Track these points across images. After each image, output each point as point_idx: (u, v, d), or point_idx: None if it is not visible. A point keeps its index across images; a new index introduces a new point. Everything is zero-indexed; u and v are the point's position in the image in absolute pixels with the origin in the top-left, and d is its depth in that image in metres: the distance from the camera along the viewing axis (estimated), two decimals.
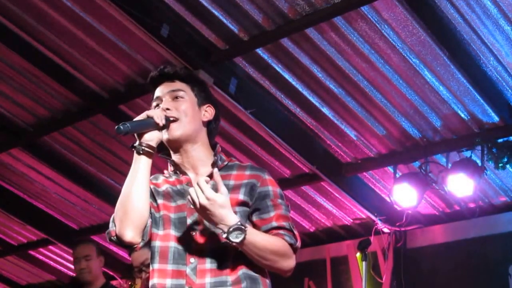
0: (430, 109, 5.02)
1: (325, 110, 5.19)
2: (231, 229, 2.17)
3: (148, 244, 2.37)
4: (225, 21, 4.63)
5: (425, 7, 4.25)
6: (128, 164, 7.13)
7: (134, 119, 2.32)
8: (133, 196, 2.30)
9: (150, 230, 2.36)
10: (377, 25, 4.43)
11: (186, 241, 2.31)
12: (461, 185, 5.03)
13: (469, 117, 5.02)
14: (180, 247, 2.31)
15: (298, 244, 2.34)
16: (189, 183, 2.38)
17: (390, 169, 5.64)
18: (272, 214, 2.32)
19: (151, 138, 2.32)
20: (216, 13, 4.59)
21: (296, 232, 2.34)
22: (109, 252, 7.66)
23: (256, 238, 2.22)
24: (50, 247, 8.06)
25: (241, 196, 2.33)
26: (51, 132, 6.19)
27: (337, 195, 6.03)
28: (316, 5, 4.36)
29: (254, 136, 5.45)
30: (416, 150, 5.39)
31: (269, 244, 2.25)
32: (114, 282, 7.30)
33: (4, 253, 8.48)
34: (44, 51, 5.29)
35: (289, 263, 2.31)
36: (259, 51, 4.81)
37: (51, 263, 8.38)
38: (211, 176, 2.30)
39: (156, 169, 2.48)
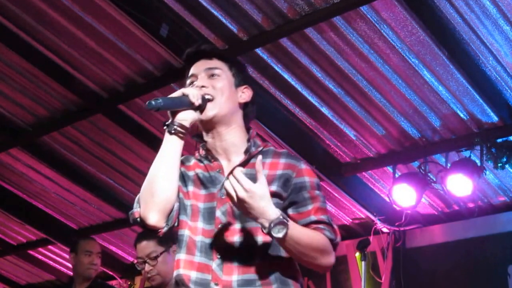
0: (429, 109, 5.01)
1: (324, 110, 5.19)
2: (272, 224, 2.02)
3: (170, 230, 2.25)
4: (224, 21, 4.63)
5: (424, 7, 4.24)
6: (128, 164, 7.17)
7: (169, 96, 2.21)
8: (160, 179, 2.18)
9: (176, 215, 2.24)
10: (376, 25, 4.43)
11: (213, 235, 2.19)
12: (460, 185, 5.02)
13: (468, 117, 5.02)
14: (207, 241, 2.19)
15: (338, 239, 2.21)
16: (221, 171, 2.25)
17: (389, 169, 5.63)
18: (310, 207, 2.19)
19: (185, 117, 2.19)
20: (215, 13, 4.59)
21: (335, 227, 2.21)
22: (108, 252, 7.66)
23: (298, 233, 2.08)
24: (50, 247, 8.05)
25: (274, 188, 2.18)
26: (50, 132, 6.18)
27: (336, 195, 6.03)
28: (316, 5, 4.36)
29: None
30: (415, 150, 5.39)
31: (310, 239, 2.11)
32: (113, 282, 7.32)
33: (3, 253, 8.48)
34: (43, 51, 5.29)
35: (329, 259, 2.18)
36: (259, 51, 4.80)
37: (51, 262, 8.37)
38: (244, 163, 2.21)
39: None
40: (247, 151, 2.26)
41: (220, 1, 4.50)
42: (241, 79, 2.35)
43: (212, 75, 2.30)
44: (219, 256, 2.16)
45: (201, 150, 2.33)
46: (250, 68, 4.95)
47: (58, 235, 7.62)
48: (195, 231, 2.22)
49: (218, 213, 2.20)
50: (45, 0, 4.83)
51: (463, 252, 5.76)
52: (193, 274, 2.18)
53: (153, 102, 2.10)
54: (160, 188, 2.17)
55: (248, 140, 2.29)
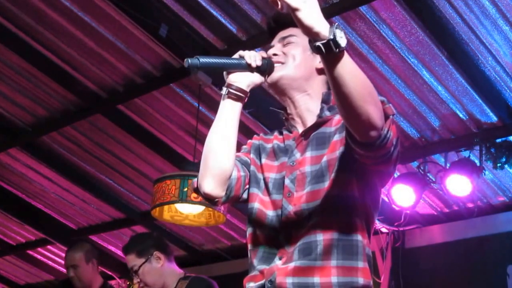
0: (429, 109, 5.01)
1: None
2: (335, 27, 1.74)
3: (233, 200, 2.14)
4: (223, 21, 4.63)
5: (423, 7, 4.24)
6: (127, 164, 7.12)
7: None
8: (214, 145, 2.08)
9: (239, 187, 2.13)
10: (375, 25, 4.43)
11: (282, 206, 2.04)
12: (459, 185, 5.03)
13: (467, 117, 5.02)
14: (277, 214, 2.05)
15: (391, 109, 1.92)
16: (296, 139, 2.12)
17: None
18: None
19: (240, 79, 2.09)
20: (214, 13, 4.58)
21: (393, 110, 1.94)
22: (107, 252, 7.66)
23: (350, 61, 1.82)
24: (49, 247, 8.05)
25: (336, 137, 2.03)
26: (49, 132, 6.18)
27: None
28: None
29: (252, 135, 5.44)
30: (415, 150, 5.38)
31: (364, 75, 1.86)
32: (112, 282, 7.30)
33: (2, 253, 8.47)
34: (42, 51, 5.29)
35: (378, 114, 1.83)
36: (258, 51, 4.78)
37: (50, 263, 8.37)
38: (313, 127, 2.07)
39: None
40: (320, 115, 2.11)
41: (219, 1, 4.50)
42: None
43: (287, 43, 2.18)
44: (285, 227, 2.02)
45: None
46: None
47: (57, 235, 7.62)
48: (266, 204, 2.09)
49: (287, 181, 2.07)
50: (45, 0, 4.82)
51: (462, 252, 5.76)
52: (261, 249, 2.06)
53: (190, 60, 1.97)
54: (213, 155, 2.08)
55: (325, 102, 2.13)
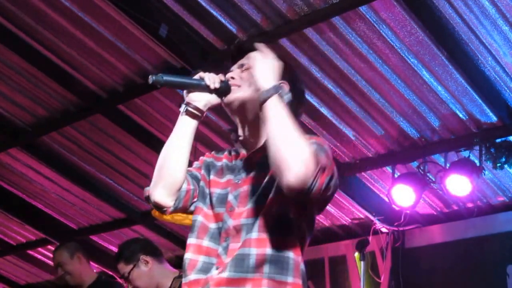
0: (428, 109, 5.02)
1: (323, 110, 5.19)
2: (280, 84, 2.08)
3: (180, 211, 2.24)
4: (223, 21, 4.63)
5: (423, 7, 4.24)
6: (127, 164, 7.13)
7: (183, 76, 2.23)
8: (167, 158, 2.23)
9: (187, 199, 2.23)
10: (375, 25, 4.43)
11: (223, 219, 2.17)
12: (459, 185, 5.03)
13: (467, 117, 5.02)
14: (218, 226, 2.18)
15: (324, 159, 2.01)
16: (244, 159, 2.24)
17: (388, 169, 5.63)
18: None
19: (198, 99, 2.21)
20: (214, 13, 4.58)
21: (327, 161, 2.03)
22: (109, 253, 7.66)
23: (288, 113, 2.03)
24: (49, 246, 8.02)
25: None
26: (49, 132, 6.18)
27: (335, 195, 6.01)
28: (315, 5, 4.36)
29: None
30: (414, 150, 5.39)
31: (296, 127, 2.01)
32: None
33: (3, 253, 8.46)
34: (42, 51, 5.28)
35: (302, 163, 1.93)
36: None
37: (50, 262, 8.31)
38: (260, 150, 2.17)
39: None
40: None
41: (219, 1, 4.50)
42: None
43: (244, 69, 2.28)
44: (226, 239, 2.14)
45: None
46: None
47: (58, 235, 7.60)
48: (209, 217, 2.22)
49: (230, 197, 2.19)
50: (45, 0, 4.82)
51: (462, 252, 5.76)
52: (201, 259, 2.17)
53: (153, 77, 2.11)
54: (166, 166, 2.22)
55: None
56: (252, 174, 2.19)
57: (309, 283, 6.45)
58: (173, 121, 6.04)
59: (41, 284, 8.85)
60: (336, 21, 4.45)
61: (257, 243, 2.06)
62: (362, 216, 6.19)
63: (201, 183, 2.29)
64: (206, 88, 2.20)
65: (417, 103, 4.98)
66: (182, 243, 7.24)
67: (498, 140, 5.01)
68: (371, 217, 5.98)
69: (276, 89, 2.05)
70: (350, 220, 6.38)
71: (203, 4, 4.53)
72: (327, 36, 4.58)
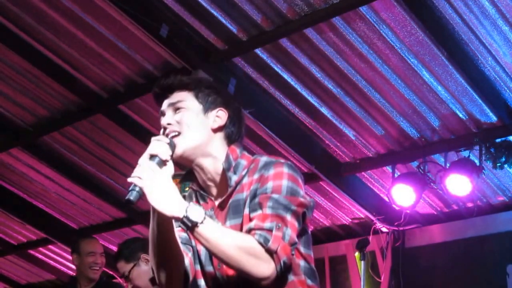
0: (428, 109, 5.02)
1: (323, 110, 5.20)
2: (188, 207, 1.91)
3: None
4: (224, 21, 4.63)
5: (423, 8, 4.25)
6: (128, 164, 7.13)
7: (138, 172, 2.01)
8: (157, 255, 2.09)
9: (192, 268, 2.16)
10: (375, 25, 4.43)
11: (212, 275, 2.13)
12: (459, 185, 5.03)
13: (467, 117, 5.03)
14: (209, 283, 2.14)
15: (274, 246, 1.94)
16: (214, 209, 2.15)
17: (388, 168, 5.63)
18: (255, 214, 2.00)
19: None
20: (215, 13, 4.58)
21: (279, 234, 1.95)
22: (109, 252, 7.66)
23: (216, 230, 1.93)
24: (50, 246, 8.05)
25: (246, 211, 2.06)
26: (50, 132, 6.18)
27: (335, 194, 6.03)
28: (315, 5, 4.36)
29: (252, 136, 5.46)
30: (415, 150, 5.40)
31: (231, 237, 1.93)
32: None
33: (4, 253, 8.47)
34: (43, 51, 5.29)
35: (262, 267, 1.93)
36: (258, 51, 4.80)
37: (51, 262, 8.37)
38: (227, 197, 2.10)
39: None
40: (229, 184, 2.13)
41: (220, 1, 4.50)
42: (211, 102, 2.19)
43: (176, 109, 2.18)
44: None
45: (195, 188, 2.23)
46: (250, 69, 4.96)
47: (59, 235, 7.61)
48: (198, 274, 2.17)
49: None
50: (46, 0, 4.82)
51: (462, 252, 5.76)
52: None
53: (131, 198, 1.95)
54: (161, 263, 2.11)
55: (228, 169, 2.14)
56: (227, 224, 2.12)
57: None
58: None
59: (41, 284, 8.88)
60: (337, 21, 4.45)
61: None
62: (362, 215, 6.19)
63: (192, 242, 2.19)
64: (165, 163, 2.02)
65: (417, 103, 4.98)
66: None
67: (498, 140, 5.01)
68: (371, 217, 5.98)
69: (189, 221, 1.90)
70: (350, 220, 6.38)
71: (204, 4, 4.53)
72: (327, 36, 4.58)
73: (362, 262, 5.14)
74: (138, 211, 7.00)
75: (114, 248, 7.59)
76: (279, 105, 5.21)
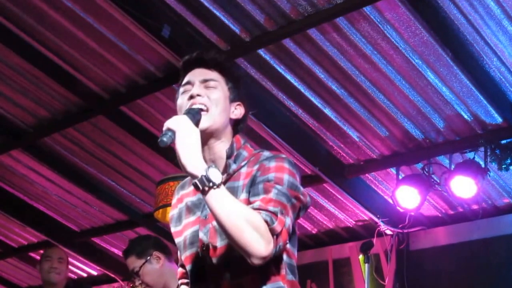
0: (433, 110, 5.00)
1: (327, 111, 5.17)
2: (210, 167, 1.98)
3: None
4: (226, 21, 4.62)
5: (428, 8, 4.23)
6: (129, 165, 7.13)
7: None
8: None
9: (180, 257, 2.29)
10: (379, 25, 4.41)
11: (200, 259, 2.17)
12: (464, 187, 5.01)
13: (472, 118, 5.00)
14: (198, 267, 2.18)
15: (278, 228, 1.99)
16: None
17: (392, 170, 5.61)
18: (259, 197, 2.04)
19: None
20: (217, 13, 4.57)
21: (283, 218, 2.01)
22: (111, 255, 7.64)
23: (228, 197, 1.99)
24: None
25: (243, 196, 2.12)
26: (51, 133, 6.16)
27: (339, 196, 6.01)
28: (318, 5, 4.34)
29: (255, 137, 5.43)
30: (419, 152, 5.37)
31: (241, 207, 1.98)
32: (115, 285, 7.30)
33: (4, 255, 8.45)
34: (44, 52, 5.27)
35: (261, 245, 1.96)
36: (261, 51, 4.79)
37: None
38: (223, 182, 2.09)
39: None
40: (225, 169, 2.19)
41: (222, 1, 4.48)
42: (236, 94, 2.29)
43: (208, 86, 2.23)
44: (213, 279, 2.14)
45: None
46: (253, 69, 4.94)
47: (59, 237, 7.59)
48: (186, 260, 2.22)
49: (201, 235, 2.18)
50: (46, 1, 4.81)
51: (467, 254, 5.74)
52: None
53: (164, 139, 2.05)
54: None
55: (229, 156, 2.21)
56: None
57: (313, 285, 6.44)
58: None
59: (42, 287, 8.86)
60: (340, 22, 4.44)
61: (250, 283, 2.08)
62: (366, 218, 6.17)
63: (178, 239, 2.29)
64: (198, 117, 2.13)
65: (422, 104, 4.96)
66: None
67: (503, 142, 4.99)
68: (376, 219, 5.95)
69: (207, 180, 1.96)
70: (354, 222, 6.36)
71: (206, 4, 4.51)
72: (331, 37, 4.57)
73: (366, 264, 5.12)
74: (140, 213, 6.99)
75: (116, 251, 7.60)
76: (282, 106, 5.19)
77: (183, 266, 2.30)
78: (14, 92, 5.80)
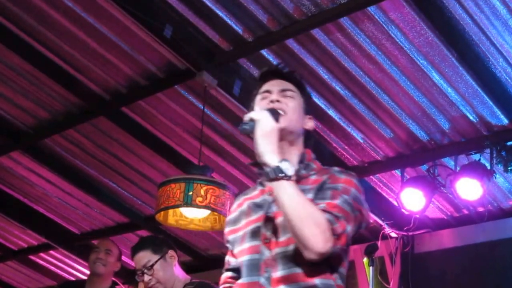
0: (438, 111, 4.97)
1: (331, 112, 5.15)
2: (283, 160, 2.11)
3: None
4: (229, 21, 4.59)
5: (433, 8, 4.21)
6: (131, 167, 7.09)
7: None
8: None
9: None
10: (384, 25, 4.39)
11: (259, 252, 2.23)
12: (469, 189, 4.98)
13: (477, 120, 4.98)
14: (254, 257, 2.24)
15: (339, 230, 2.09)
16: (271, 193, 2.24)
17: (397, 172, 5.60)
18: (326, 201, 2.15)
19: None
20: (220, 13, 4.54)
21: (344, 223, 2.12)
22: None
23: (298, 191, 2.11)
24: (51, 251, 8.02)
25: (309, 195, 2.20)
26: (52, 135, 6.14)
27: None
28: (322, 5, 4.32)
29: None
30: (424, 153, 5.35)
31: (307, 202, 2.10)
32: None
33: (4, 258, 8.44)
34: (45, 52, 5.24)
35: (320, 241, 2.05)
36: (264, 52, 4.77)
37: (52, 268, 8.35)
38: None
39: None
40: (297, 174, 2.24)
41: (225, 1, 4.46)
42: (309, 108, 2.44)
43: (286, 96, 2.37)
44: (266, 270, 2.20)
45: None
46: (256, 70, 4.91)
47: (60, 240, 7.60)
48: (242, 252, 2.29)
49: (263, 229, 2.25)
50: (47, 1, 4.78)
51: (472, 257, 5.74)
52: None
53: (246, 127, 2.18)
54: None
55: (301, 162, 2.32)
56: None
57: None
58: (178, 123, 6.03)
59: None
60: (344, 22, 4.42)
61: (304, 275, 2.15)
62: (371, 220, 6.12)
63: (230, 238, 2.39)
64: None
65: (427, 105, 4.94)
66: (186, 249, 7.21)
67: (509, 143, 4.98)
68: (380, 222, 5.95)
69: (280, 171, 2.09)
70: None
71: (209, 4, 4.49)
72: (335, 37, 4.55)
73: (371, 267, 5.08)
74: (141, 215, 6.96)
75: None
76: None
77: (229, 270, 2.40)
78: (14, 93, 5.78)
